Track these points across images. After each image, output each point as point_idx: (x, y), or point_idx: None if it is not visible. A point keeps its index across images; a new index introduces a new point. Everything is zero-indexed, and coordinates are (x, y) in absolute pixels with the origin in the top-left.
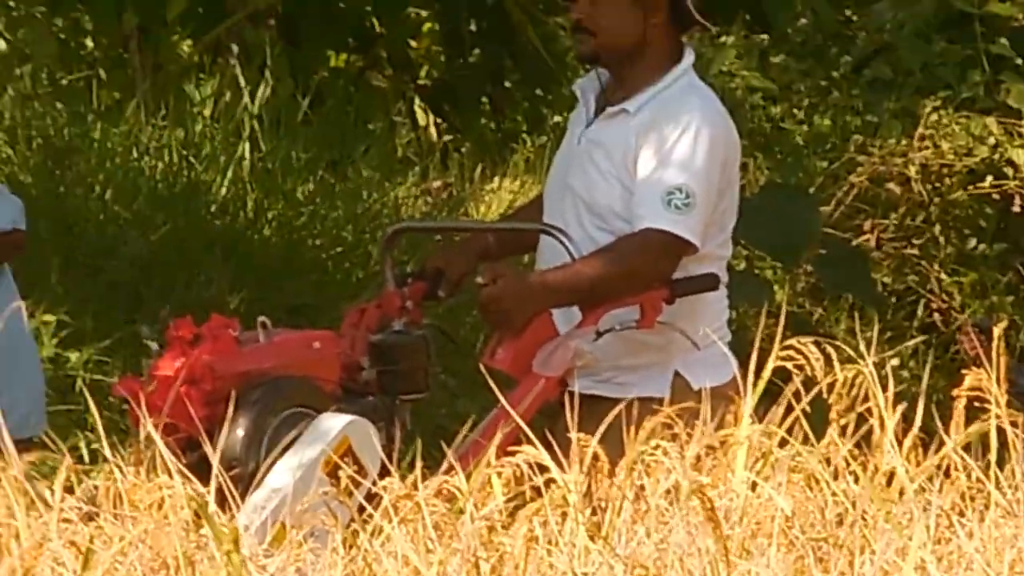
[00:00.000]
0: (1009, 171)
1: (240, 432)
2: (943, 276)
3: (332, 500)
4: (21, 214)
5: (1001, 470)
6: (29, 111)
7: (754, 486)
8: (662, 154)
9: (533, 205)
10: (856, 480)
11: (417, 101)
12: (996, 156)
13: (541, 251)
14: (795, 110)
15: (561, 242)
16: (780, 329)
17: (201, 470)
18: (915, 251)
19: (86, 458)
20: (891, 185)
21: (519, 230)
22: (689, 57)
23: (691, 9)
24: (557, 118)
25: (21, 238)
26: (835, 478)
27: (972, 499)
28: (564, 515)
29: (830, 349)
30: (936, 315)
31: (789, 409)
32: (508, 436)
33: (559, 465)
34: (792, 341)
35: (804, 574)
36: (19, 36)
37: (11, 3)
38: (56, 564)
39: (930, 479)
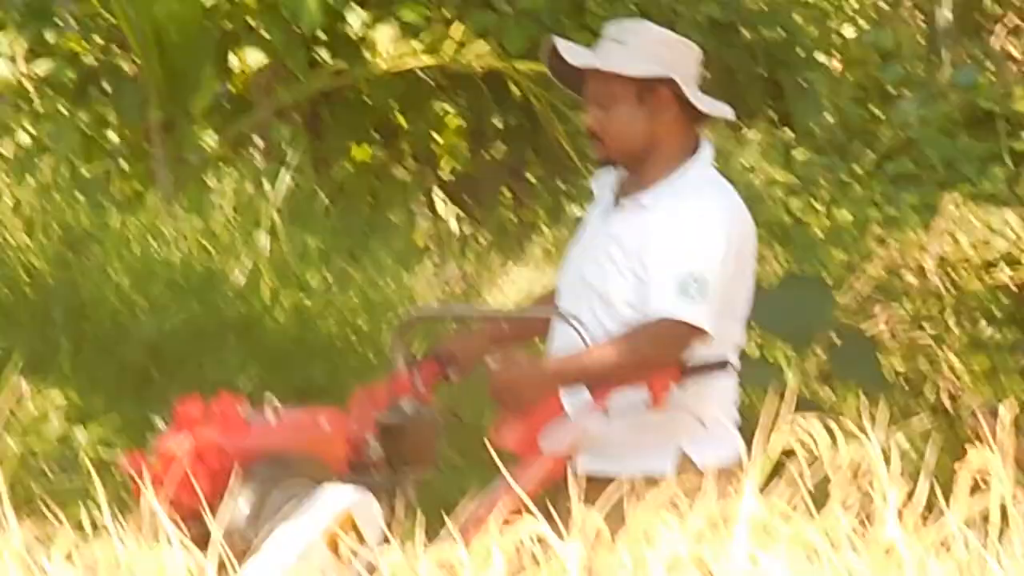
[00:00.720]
0: None
1: (244, 505)
2: (954, 361)
3: (333, 572)
4: None
5: (1000, 544)
6: (48, 201)
7: (755, 559)
8: (676, 244)
9: (548, 297)
10: (856, 552)
11: (437, 192)
12: (1014, 248)
13: (552, 338)
14: (815, 203)
15: (575, 328)
16: (788, 407)
17: (203, 544)
18: (928, 338)
19: (87, 528)
20: (907, 275)
21: (533, 316)
22: (707, 151)
23: (699, 108)
24: (576, 210)
25: None
26: (835, 550)
27: (971, 573)
28: None
29: (835, 427)
30: (946, 398)
31: (792, 485)
32: (514, 509)
33: (560, 537)
34: (798, 418)
35: None
36: (42, 129)
37: (34, 97)
38: None
39: (929, 551)
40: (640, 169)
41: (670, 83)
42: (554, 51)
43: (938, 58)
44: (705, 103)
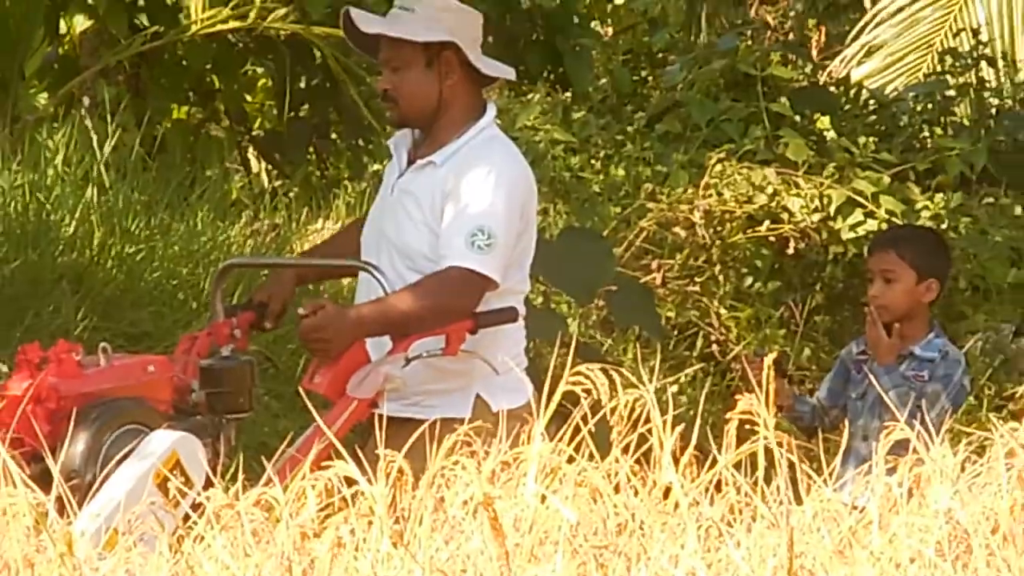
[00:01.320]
0: (785, 217)
1: (80, 447)
2: (722, 311)
3: (160, 509)
4: None
5: (768, 486)
6: None
7: (543, 499)
8: (466, 200)
9: (347, 233)
10: (636, 494)
11: (251, 150)
12: (774, 204)
13: (358, 287)
14: (593, 161)
15: (376, 278)
16: (571, 357)
17: (44, 481)
18: (697, 288)
19: None
20: (677, 229)
21: (336, 266)
22: (490, 112)
23: (482, 70)
24: (376, 167)
25: None
26: (616, 492)
27: (740, 512)
28: (370, 524)
29: (616, 375)
30: (715, 346)
31: (577, 430)
32: (322, 452)
33: (368, 479)
34: (581, 368)
35: None
36: None
37: None
38: None
39: (703, 493)
40: (431, 130)
41: (455, 48)
42: (348, 18)
43: (699, 26)
44: (488, 66)
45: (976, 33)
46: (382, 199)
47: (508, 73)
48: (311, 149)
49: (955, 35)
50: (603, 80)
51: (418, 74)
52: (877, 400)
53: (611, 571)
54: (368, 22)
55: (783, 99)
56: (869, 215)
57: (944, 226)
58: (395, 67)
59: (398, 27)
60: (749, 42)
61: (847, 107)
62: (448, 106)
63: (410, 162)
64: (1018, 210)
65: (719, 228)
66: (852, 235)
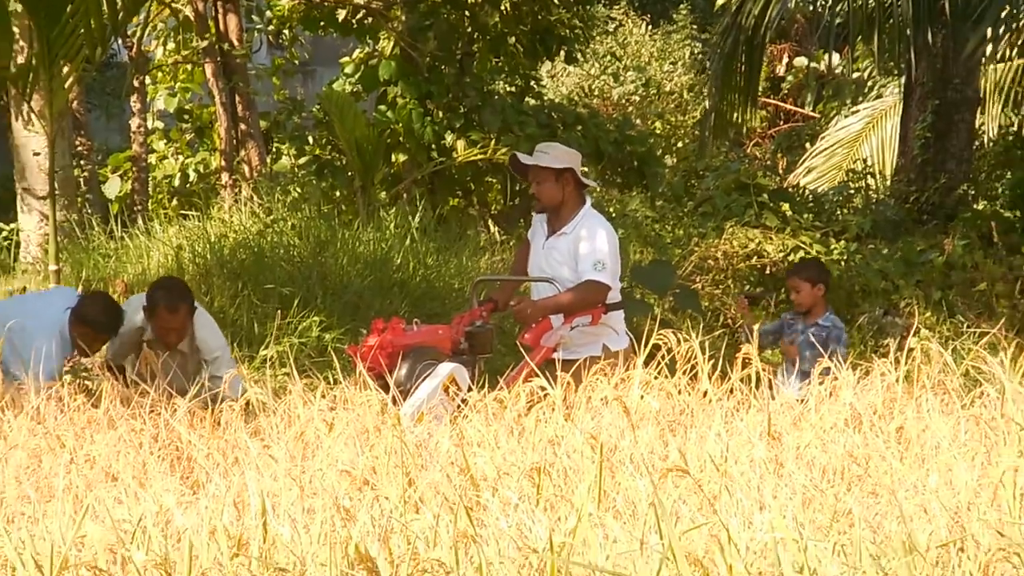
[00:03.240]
0: (766, 255)
1: (403, 371)
2: (731, 303)
3: (444, 403)
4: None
5: (757, 390)
6: (308, 222)
7: (642, 397)
8: (587, 247)
9: (519, 264)
10: (689, 395)
11: (490, 221)
12: (759, 248)
13: (532, 290)
14: (666, 226)
15: (555, 286)
16: (656, 325)
17: (386, 390)
18: (719, 291)
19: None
20: (709, 261)
21: (529, 280)
22: (588, 201)
23: (584, 182)
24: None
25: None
26: (679, 394)
27: (743, 404)
28: (553, 410)
29: (678, 334)
30: (729, 321)
31: (659, 363)
32: (528, 374)
33: (551, 387)
34: (661, 332)
35: None
36: (301, 191)
37: (296, 176)
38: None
39: (725, 395)
40: (558, 213)
41: (571, 171)
42: (515, 158)
43: (719, 151)
44: (586, 180)
45: (865, 161)
46: (536, 251)
47: (594, 184)
48: (521, 219)
49: (854, 162)
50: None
51: (551, 185)
52: (803, 342)
53: (676, 435)
54: (526, 159)
55: (764, 195)
56: (807, 254)
57: (846, 260)
58: (539, 181)
59: (543, 161)
60: (746, 164)
61: (798, 199)
62: (567, 201)
63: (551, 231)
64: (885, 251)
65: (732, 261)
66: None
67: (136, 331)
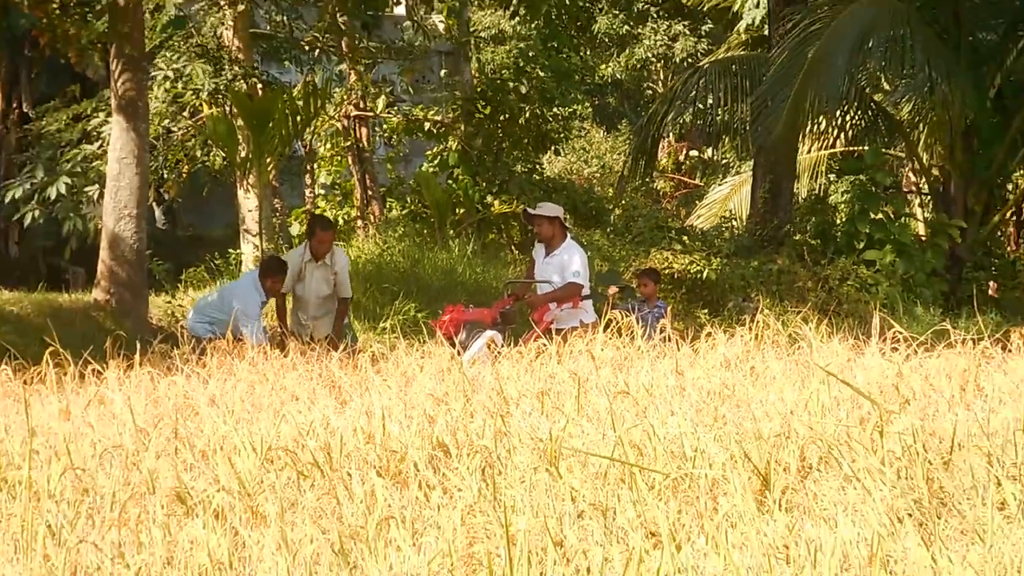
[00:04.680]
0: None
1: (463, 335)
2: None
3: (487, 355)
4: None
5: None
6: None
7: (602, 351)
8: (569, 264)
9: (530, 272)
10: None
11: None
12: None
13: (538, 288)
14: (617, 252)
15: (553, 285)
16: (609, 308)
17: (453, 346)
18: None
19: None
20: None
21: (536, 281)
22: (569, 235)
23: (567, 224)
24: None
25: None
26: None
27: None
28: (550, 357)
29: (623, 313)
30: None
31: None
32: (536, 337)
33: (547, 346)
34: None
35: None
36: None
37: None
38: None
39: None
40: (551, 244)
41: (558, 218)
42: (526, 211)
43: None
44: (568, 224)
45: (730, 211)
46: (538, 265)
47: (571, 231)
48: (531, 247)
49: (724, 212)
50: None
51: (547, 227)
52: (647, 315)
53: (622, 372)
54: (532, 211)
55: (673, 232)
56: (697, 268)
57: (720, 270)
58: (540, 224)
59: (542, 211)
60: (662, 214)
61: (692, 234)
62: (556, 236)
63: (547, 253)
64: (743, 264)
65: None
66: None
67: (297, 264)
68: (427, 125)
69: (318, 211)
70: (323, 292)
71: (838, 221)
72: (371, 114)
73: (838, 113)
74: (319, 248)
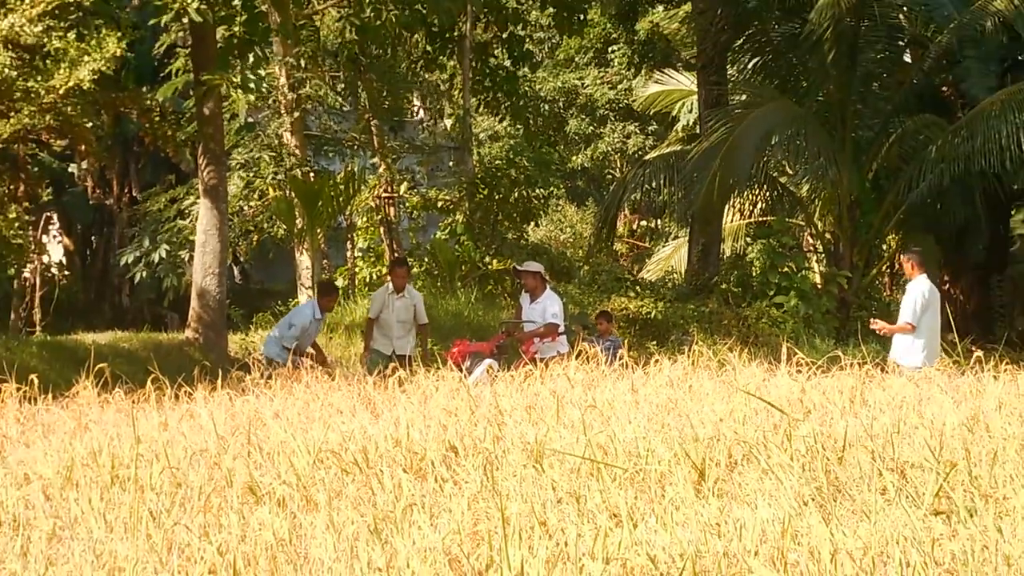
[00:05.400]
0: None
1: (469, 363)
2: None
3: (487, 380)
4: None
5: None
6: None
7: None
8: (548, 308)
9: (519, 314)
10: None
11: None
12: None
13: (525, 326)
14: (589, 298)
15: (536, 324)
16: (579, 340)
17: (460, 371)
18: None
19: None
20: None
21: (523, 321)
22: (548, 287)
23: (547, 278)
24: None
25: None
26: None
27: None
28: (536, 380)
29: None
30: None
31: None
32: (524, 365)
33: (534, 370)
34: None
35: None
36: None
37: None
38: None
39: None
40: (534, 294)
41: (539, 273)
42: (515, 268)
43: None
44: (548, 277)
45: (672, 267)
46: (524, 310)
47: (551, 283)
48: (519, 295)
49: (668, 268)
50: (584, 279)
51: (532, 280)
52: (605, 348)
53: (591, 390)
54: (522, 267)
55: (628, 282)
56: (648, 311)
57: (664, 312)
58: (526, 278)
59: (528, 267)
60: (620, 268)
61: (644, 284)
62: (538, 287)
63: (531, 301)
64: (682, 307)
65: (615, 313)
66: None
67: (382, 296)
68: (439, 203)
69: (358, 271)
70: (403, 318)
71: (754, 273)
72: (397, 195)
73: (751, 191)
74: (398, 281)
